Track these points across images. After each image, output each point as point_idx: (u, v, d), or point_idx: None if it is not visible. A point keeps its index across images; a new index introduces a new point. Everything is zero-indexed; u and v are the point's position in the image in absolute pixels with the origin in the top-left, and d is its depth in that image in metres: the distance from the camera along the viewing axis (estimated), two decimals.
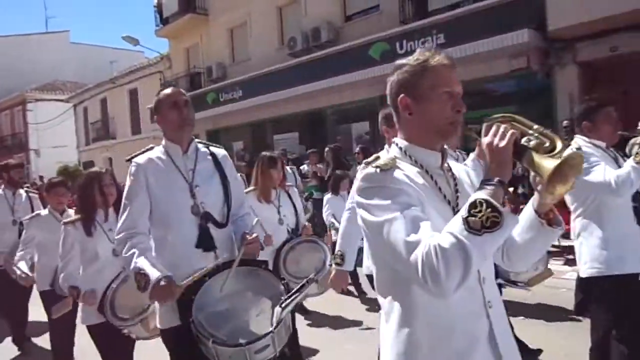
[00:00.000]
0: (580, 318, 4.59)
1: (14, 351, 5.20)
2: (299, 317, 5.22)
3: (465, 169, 1.64)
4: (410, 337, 1.38)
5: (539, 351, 4.07)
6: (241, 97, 15.34)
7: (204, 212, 2.46)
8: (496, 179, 1.25)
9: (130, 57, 27.89)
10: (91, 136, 26.48)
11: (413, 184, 1.38)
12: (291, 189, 4.44)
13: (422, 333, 1.37)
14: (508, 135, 1.28)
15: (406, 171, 1.41)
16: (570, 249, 5.34)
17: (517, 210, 1.28)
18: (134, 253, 2.33)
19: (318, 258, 4.12)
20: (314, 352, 4.59)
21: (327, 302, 5.22)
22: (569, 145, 1.28)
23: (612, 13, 7.88)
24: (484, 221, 1.19)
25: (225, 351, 2.20)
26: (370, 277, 3.28)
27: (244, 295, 2.42)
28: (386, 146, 3.20)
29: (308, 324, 5.44)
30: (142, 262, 2.29)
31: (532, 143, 1.30)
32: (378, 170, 1.39)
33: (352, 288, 6.27)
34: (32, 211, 5.13)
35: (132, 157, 2.53)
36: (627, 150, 3.80)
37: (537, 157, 1.26)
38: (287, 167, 7.62)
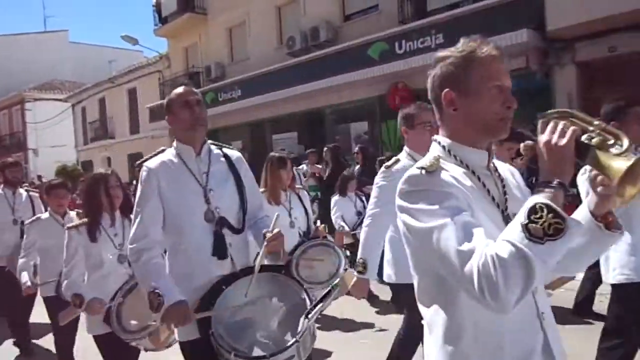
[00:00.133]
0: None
1: (15, 352, 5.17)
2: None
3: (509, 168, 1.52)
4: (457, 351, 1.28)
5: None
6: (240, 96, 15.33)
7: (219, 217, 2.34)
8: (556, 181, 1.14)
9: (129, 57, 27.84)
10: (89, 136, 26.44)
11: (461, 186, 1.27)
12: (301, 191, 4.32)
13: (471, 347, 1.27)
14: (569, 132, 1.17)
15: (452, 172, 1.30)
16: None
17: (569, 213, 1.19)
18: (148, 270, 2.23)
19: (331, 262, 3.98)
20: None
21: (335, 304, 5.21)
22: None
23: (611, 13, 7.89)
24: (545, 228, 1.08)
25: None
26: (391, 285, 3.23)
27: (264, 303, 2.27)
28: (405, 147, 3.18)
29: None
30: (157, 282, 2.18)
31: (595, 140, 1.19)
32: (423, 171, 1.28)
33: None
34: (33, 210, 5.12)
35: (143, 162, 2.41)
36: None
37: (603, 157, 1.17)
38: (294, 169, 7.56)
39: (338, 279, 3.84)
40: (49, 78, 30.59)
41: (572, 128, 1.18)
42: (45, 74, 30.61)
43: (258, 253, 2.32)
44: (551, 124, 1.21)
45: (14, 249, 4.53)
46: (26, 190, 5.46)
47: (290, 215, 4.01)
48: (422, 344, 1.45)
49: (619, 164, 1.14)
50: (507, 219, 1.29)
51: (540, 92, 9.72)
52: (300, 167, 9.54)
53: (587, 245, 1.34)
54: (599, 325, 3.42)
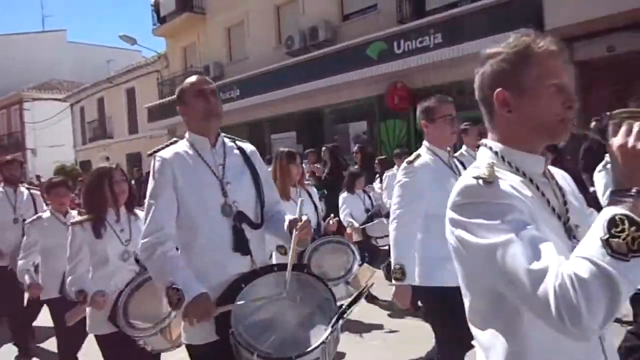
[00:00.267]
0: None
1: (15, 352, 5.13)
2: None
3: (562, 173, 1.40)
4: None
5: None
6: (238, 96, 15.32)
7: (237, 211, 2.22)
8: (635, 189, 1.02)
9: (128, 56, 27.85)
10: (88, 135, 26.42)
11: (522, 197, 1.15)
12: (310, 188, 4.24)
13: None
14: None
15: (510, 181, 1.18)
16: None
17: None
18: (164, 264, 2.08)
19: (344, 259, 3.92)
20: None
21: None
22: None
23: (609, 13, 7.89)
24: (629, 243, 0.96)
25: None
26: (415, 287, 3.01)
27: (285, 302, 2.13)
28: (425, 142, 3.07)
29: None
30: (175, 276, 2.03)
31: None
32: (480, 182, 1.16)
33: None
34: (35, 209, 5.02)
35: (155, 152, 2.28)
36: None
37: None
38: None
39: (352, 276, 3.81)
40: (47, 78, 30.55)
41: None
42: (43, 73, 30.57)
43: (283, 247, 2.16)
44: (625, 126, 1.09)
45: (16, 249, 4.45)
46: (27, 189, 5.35)
47: (301, 211, 3.92)
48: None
49: None
50: (569, 232, 1.22)
51: None
52: None
53: None
54: None
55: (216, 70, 17.00)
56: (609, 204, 1.05)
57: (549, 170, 1.31)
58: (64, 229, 3.60)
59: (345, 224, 5.88)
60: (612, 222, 0.99)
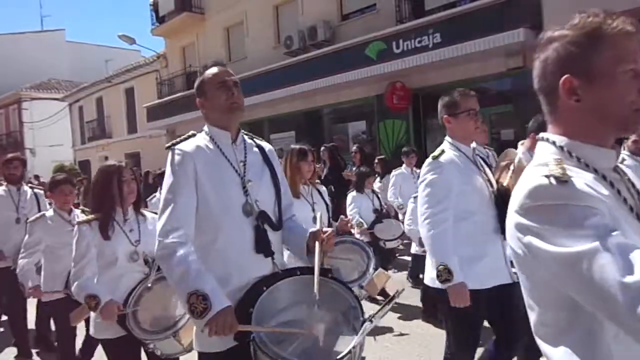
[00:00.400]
0: None
1: (14, 352, 5.14)
2: None
3: (629, 166, 1.26)
4: None
5: None
6: None
7: (259, 211, 2.11)
8: None
9: (126, 56, 27.85)
10: (87, 135, 26.41)
11: (601, 197, 1.01)
12: (320, 186, 4.11)
13: None
14: None
15: (585, 179, 1.04)
16: None
17: None
18: (188, 268, 1.92)
19: (357, 261, 3.81)
20: None
21: None
22: None
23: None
24: None
25: None
26: (430, 288, 2.92)
27: (308, 307, 2.01)
28: (447, 137, 2.92)
29: None
30: (201, 283, 1.88)
31: None
32: (553, 181, 1.01)
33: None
34: (39, 208, 4.92)
35: (174, 144, 2.13)
36: None
37: None
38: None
39: (367, 280, 3.71)
40: (45, 77, 30.53)
41: None
42: (42, 73, 30.56)
43: (311, 250, 2.07)
44: None
45: (18, 249, 4.40)
46: (31, 188, 5.25)
47: (313, 209, 3.69)
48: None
49: None
50: None
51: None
52: None
53: None
54: None
55: None
56: None
57: (618, 165, 1.17)
58: (69, 228, 3.56)
59: (353, 222, 5.74)
60: None
